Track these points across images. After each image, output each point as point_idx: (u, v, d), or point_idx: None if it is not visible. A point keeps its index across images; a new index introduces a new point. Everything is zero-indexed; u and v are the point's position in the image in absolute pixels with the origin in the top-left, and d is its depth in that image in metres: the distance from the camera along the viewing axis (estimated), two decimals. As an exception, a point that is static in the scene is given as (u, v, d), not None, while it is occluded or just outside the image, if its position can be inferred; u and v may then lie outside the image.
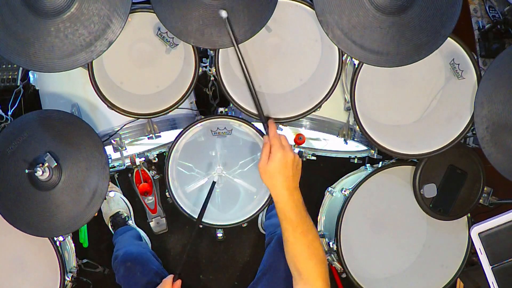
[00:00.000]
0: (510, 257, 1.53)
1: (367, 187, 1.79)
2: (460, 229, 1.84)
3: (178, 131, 1.75)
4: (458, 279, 1.91)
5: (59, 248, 1.64)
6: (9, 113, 1.97)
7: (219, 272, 2.31)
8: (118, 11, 1.40)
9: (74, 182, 1.53)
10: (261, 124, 1.71)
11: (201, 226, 1.77)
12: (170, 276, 1.55)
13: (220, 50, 1.56)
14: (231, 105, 1.65)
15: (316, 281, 1.24)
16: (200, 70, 1.64)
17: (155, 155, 2.04)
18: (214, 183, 1.62)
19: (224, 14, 1.40)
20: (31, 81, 1.84)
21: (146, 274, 1.80)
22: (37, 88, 1.84)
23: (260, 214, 2.22)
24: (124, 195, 2.31)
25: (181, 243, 2.32)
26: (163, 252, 2.29)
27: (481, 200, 1.78)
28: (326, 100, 1.64)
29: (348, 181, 2.02)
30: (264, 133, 1.47)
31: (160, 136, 1.79)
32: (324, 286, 1.26)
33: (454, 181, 1.74)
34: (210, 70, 1.68)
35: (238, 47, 1.42)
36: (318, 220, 2.05)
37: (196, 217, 1.65)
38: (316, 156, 2.07)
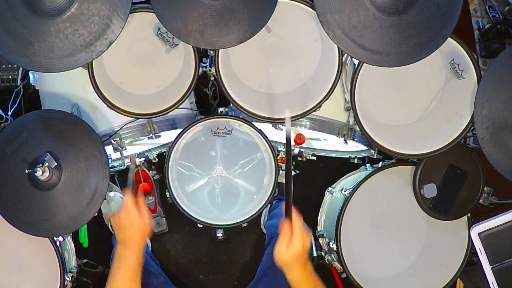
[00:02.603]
0: (510, 257, 1.52)
1: (367, 187, 1.79)
2: (460, 229, 1.84)
3: (178, 131, 1.75)
4: (458, 279, 1.91)
5: (59, 248, 1.64)
6: (9, 113, 1.97)
7: (219, 272, 2.31)
8: (118, 11, 1.40)
9: (74, 182, 1.53)
10: (261, 124, 1.72)
11: (200, 226, 1.77)
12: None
13: (220, 50, 1.56)
14: (231, 105, 1.65)
15: None
16: (200, 70, 1.64)
17: (155, 155, 2.04)
18: None
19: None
20: (31, 81, 1.84)
21: (143, 275, 1.80)
22: (37, 88, 1.84)
23: (263, 213, 2.22)
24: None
25: (182, 243, 2.32)
26: (163, 252, 2.29)
27: (481, 200, 1.78)
28: (326, 100, 1.64)
29: (348, 181, 2.02)
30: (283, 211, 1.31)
31: (160, 136, 1.79)
32: None
33: (454, 181, 1.74)
34: (210, 70, 1.68)
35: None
36: (318, 220, 2.05)
37: (197, 218, 1.65)
38: (316, 156, 2.07)
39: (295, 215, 1.27)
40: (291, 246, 1.24)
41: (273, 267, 1.65)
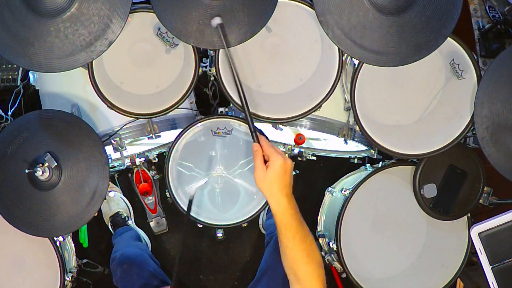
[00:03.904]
0: (510, 257, 1.52)
1: (367, 187, 1.79)
2: (460, 229, 1.84)
3: (178, 131, 1.75)
4: (458, 279, 1.91)
5: (59, 248, 1.64)
6: (9, 113, 1.97)
7: (219, 272, 2.31)
8: (118, 11, 1.40)
9: (74, 182, 1.53)
10: (261, 124, 1.72)
11: (200, 226, 1.77)
12: None
13: (220, 50, 1.56)
14: (231, 105, 1.65)
15: (314, 284, 1.25)
16: (200, 70, 1.64)
17: (155, 155, 2.04)
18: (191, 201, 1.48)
19: (217, 20, 1.35)
20: (31, 81, 1.84)
21: (143, 276, 1.80)
22: (37, 88, 1.84)
23: (261, 214, 2.22)
24: (124, 195, 2.31)
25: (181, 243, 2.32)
26: (163, 252, 2.29)
27: (481, 200, 1.78)
28: (326, 100, 1.64)
29: (348, 181, 2.02)
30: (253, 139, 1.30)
31: (160, 136, 1.79)
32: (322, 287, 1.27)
33: (454, 181, 1.74)
34: (210, 70, 1.68)
35: (231, 56, 1.37)
36: (318, 220, 2.05)
37: (197, 218, 1.65)
38: (316, 156, 2.07)
39: (263, 137, 1.24)
40: (270, 163, 1.19)
41: (273, 267, 1.66)
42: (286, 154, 1.99)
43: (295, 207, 1.23)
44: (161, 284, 1.79)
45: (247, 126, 1.66)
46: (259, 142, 1.24)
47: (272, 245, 1.73)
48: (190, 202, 1.43)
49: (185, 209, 1.74)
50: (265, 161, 1.22)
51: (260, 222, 2.30)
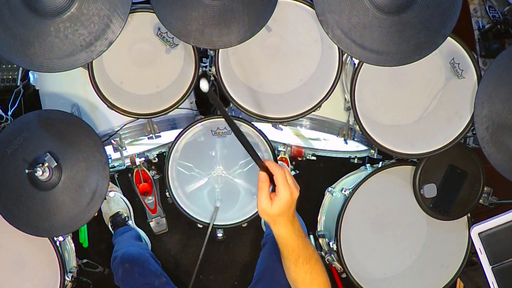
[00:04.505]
0: (510, 257, 1.52)
1: (367, 187, 1.79)
2: (460, 229, 1.84)
3: (178, 131, 1.75)
4: (458, 279, 1.91)
5: (59, 248, 1.64)
6: (9, 113, 1.97)
7: (219, 272, 2.31)
8: (118, 11, 1.40)
9: (74, 182, 1.53)
10: (261, 124, 1.72)
11: (200, 226, 1.77)
12: None
13: (220, 50, 1.56)
14: (231, 105, 1.65)
15: None
16: (200, 70, 1.64)
17: (155, 155, 2.04)
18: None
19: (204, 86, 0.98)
20: (31, 81, 1.84)
21: (144, 275, 1.80)
22: (37, 88, 1.84)
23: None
24: (124, 195, 2.31)
25: (182, 243, 2.32)
26: (163, 252, 2.29)
27: (481, 200, 1.78)
28: (326, 100, 1.64)
29: (348, 181, 2.02)
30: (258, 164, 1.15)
31: (160, 136, 1.79)
32: None
33: (454, 181, 1.74)
34: (210, 70, 1.68)
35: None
36: (318, 220, 2.05)
37: (197, 218, 1.65)
38: (316, 156, 2.07)
39: (272, 164, 1.11)
40: (277, 198, 1.10)
41: (269, 271, 1.65)
42: (286, 155, 1.99)
43: (298, 228, 1.19)
44: (162, 284, 1.79)
45: (250, 126, 1.67)
46: (265, 171, 1.12)
47: (267, 248, 1.72)
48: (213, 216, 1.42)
49: (185, 209, 1.75)
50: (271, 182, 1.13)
51: (262, 221, 2.30)
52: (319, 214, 2.05)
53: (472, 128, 1.62)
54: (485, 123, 1.54)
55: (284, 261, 1.23)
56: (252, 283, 1.70)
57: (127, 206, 2.29)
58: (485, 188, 1.78)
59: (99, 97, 1.59)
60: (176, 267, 2.29)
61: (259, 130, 1.70)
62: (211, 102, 1.29)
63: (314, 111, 1.65)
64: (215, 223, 1.75)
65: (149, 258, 1.93)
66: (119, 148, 1.76)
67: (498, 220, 1.53)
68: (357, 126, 1.63)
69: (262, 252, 1.79)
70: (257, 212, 1.73)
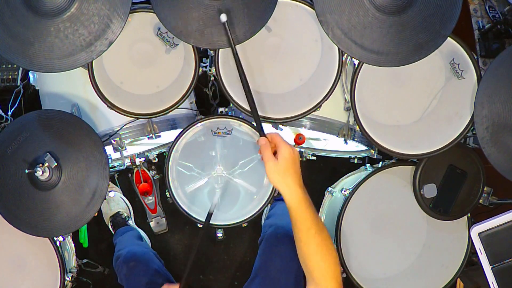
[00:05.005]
0: (510, 257, 1.52)
1: (367, 187, 1.79)
2: (460, 229, 1.84)
3: (178, 131, 1.75)
4: (458, 279, 1.91)
5: (59, 248, 1.64)
6: (9, 113, 1.97)
7: (219, 272, 2.31)
8: (118, 11, 1.40)
9: (74, 182, 1.53)
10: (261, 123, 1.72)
11: (200, 226, 1.77)
12: (176, 285, 1.56)
13: (220, 50, 1.56)
14: (231, 105, 1.65)
15: (329, 283, 1.21)
16: (200, 70, 1.64)
17: (155, 155, 2.04)
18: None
19: (223, 18, 1.38)
20: (31, 81, 1.84)
21: (148, 273, 1.80)
22: (37, 88, 1.84)
23: (264, 213, 2.22)
24: (124, 195, 2.31)
25: (182, 243, 2.32)
26: (163, 252, 2.29)
27: (481, 200, 1.78)
28: (326, 100, 1.64)
29: (348, 181, 2.02)
30: (258, 134, 1.37)
31: (160, 136, 1.79)
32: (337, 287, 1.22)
33: (454, 181, 1.74)
34: (210, 70, 1.68)
35: (235, 50, 1.39)
36: (318, 220, 2.05)
37: (197, 218, 1.65)
38: (316, 156, 2.07)
39: (268, 133, 1.25)
40: (280, 154, 1.19)
41: (264, 268, 1.65)
42: None
43: (309, 199, 1.20)
44: (165, 282, 1.79)
45: (250, 125, 1.67)
46: (265, 136, 1.26)
47: (262, 246, 1.72)
48: (209, 215, 1.46)
49: (185, 209, 1.74)
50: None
51: (262, 221, 2.30)
52: (319, 214, 2.05)
53: (472, 128, 1.62)
54: (485, 123, 1.54)
55: (295, 235, 1.22)
56: (248, 280, 1.70)
57: (127, 206, 2.30)
58: (485, 188, 1.78)
59: (99, 97, 1.59)
60: (176, 267, 2.29)
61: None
62: (228, 34, 1.38)
63: (314, 111, 1.65)
64: (215, 223, 1.75)
65: (153, 257, 1.93)
66: (119, 148, 1.76)
67: (498, 220, 1.53)
68: (357, 126, 1.63)
69: (259, 250, 1.79)
70: (257, 212, 1.73)
